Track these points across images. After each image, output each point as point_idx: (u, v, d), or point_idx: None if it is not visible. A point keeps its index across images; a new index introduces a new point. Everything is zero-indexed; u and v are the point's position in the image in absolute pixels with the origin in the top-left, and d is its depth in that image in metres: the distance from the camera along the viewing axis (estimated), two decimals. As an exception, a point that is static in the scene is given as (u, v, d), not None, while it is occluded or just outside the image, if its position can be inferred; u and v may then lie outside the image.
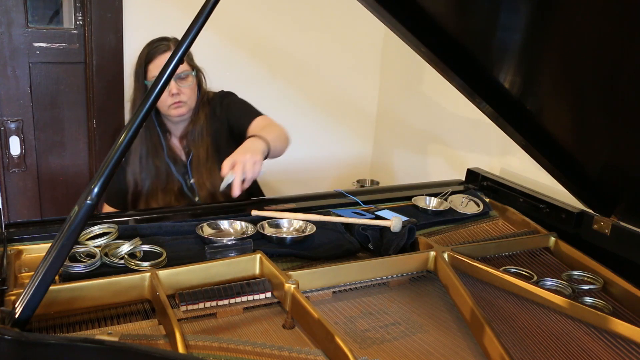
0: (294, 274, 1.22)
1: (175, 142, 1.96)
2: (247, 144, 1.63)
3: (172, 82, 1.80)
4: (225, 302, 1.16)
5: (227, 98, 1.98)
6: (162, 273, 1.18)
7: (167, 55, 1.73)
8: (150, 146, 1.89)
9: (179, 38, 1.05)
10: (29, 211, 2.54)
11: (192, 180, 1.90)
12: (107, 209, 1.97)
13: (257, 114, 1.91)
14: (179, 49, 1.04)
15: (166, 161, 1.91)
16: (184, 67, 1.83)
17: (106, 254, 1.27)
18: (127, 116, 2.58)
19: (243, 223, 1.47)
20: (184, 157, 1.94)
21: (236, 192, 1.50)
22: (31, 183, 2.53)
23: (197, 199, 1.90)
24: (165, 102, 1.82)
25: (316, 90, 3.00)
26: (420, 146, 2.80)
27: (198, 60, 2.52)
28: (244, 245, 1.34)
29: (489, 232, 1.59)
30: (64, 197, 2.60)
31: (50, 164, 2.55)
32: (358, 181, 3.02)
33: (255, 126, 1.84)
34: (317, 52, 2.92)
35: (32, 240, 1.33)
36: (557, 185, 1.50)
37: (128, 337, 1.02)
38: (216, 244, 1.35)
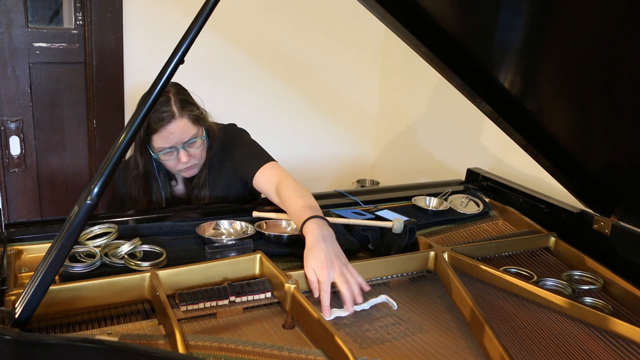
0: (294, 274, 1.22)
1: (180, 186, 1.81)
2: (315, 245, 1.25)
3: (182, 151, 1.63)
4: (225, 302, 1.16)
5: (237, 140, 1.77)
6: (162, 273, 1.18)
7: (173, 125, 1.59)
8: (155, 192, 1.76)
9: (179, 39, 1.05)
10: (29, 211, 2.54)
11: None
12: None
13: (268, 158, 1.67)
14: (178, 48, 1.04)
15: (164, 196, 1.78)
16: (193, 132, 1.63)
17: (106, 254, 1.27)
18: (127, 116, 2.59)
19: (243, 223, 1.48)
20: (184, 193, 1.82)
21: (350, 306, 1.19)
22: (31, 183, 2.53)
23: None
24: (175, 167, 1.68)
25: (316, 90, 3.00)
26: (420, 146, 2.80)
27: (198, 59, 2.53)
28: (244, 245, 1.34)
29: (489, 232, 1.59)
30: (64, 197, 2.60)
31: (50, 164, 2.55)
32: (358, 181, 3.02)
33: (262, 178, 1.62)
34: (317, 52, 2.92)
35: (32, 240, 1.33)
36: (557, 185, 1.50)
37: (128, 337, 1.02)
38: (216, 244, 1.35)
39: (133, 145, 1.67)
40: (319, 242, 1.25)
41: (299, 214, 1.38)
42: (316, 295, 1.20)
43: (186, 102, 1.63)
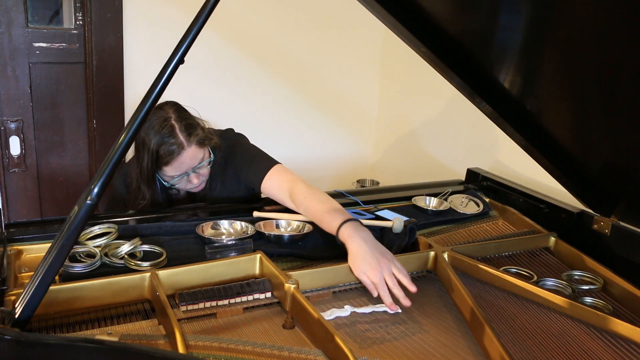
0: (294, 274, 1.22)
1: (182, 195, 1.81)
2: (359, 250, 1.27)
3: (192, 175, 1.63)
4: (225, 302, 1.16)
5: (236, 145, 1.75)
6: (162, 273, 1.18)
7: (184, 156, 1.58)
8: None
9: (179, 39, 1.05)
10: (29, 211, 2.54)
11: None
12: None
13: (272, 163, 1.64)
14: (178, 48, 1.04)
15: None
16: (201, 156, 1.62)
17: (106, 254, 1.27)
18: (127, 116, 2.59)
19: (243, 223, 1.48)
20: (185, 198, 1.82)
21: (404, 302, 1.21)
22: (31, 183, 2.53)
23: None
24: (184, 187, 1.69)
25: (316, 90, 3.00)
26: (420, 146, 2.80)
27: (198, 59, 2.53)
28: (244, 245, 1.34)
29: (489, 232, 1.59)
30: (64, 197, 2.60)
31: (50, 164, 2.55)
32: (358, 181, 3.02)
33: (272, 185, 1.59)
34: (317, 52, 2.92)
35: (32, 240, 1.33)
36: (557, 185, 1.50)
37: (128, 337, 1.02)
38: (216, 244, 1.35)
39: (133, 148, 1.66)
40: (362, 246, 1.27)
41: (329, 220, 1.38)
42: (375, 295, 1.22)
43: (190, 127, 1.61)
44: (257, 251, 1.29)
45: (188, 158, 1.61)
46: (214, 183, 1.74)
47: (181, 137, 1.58)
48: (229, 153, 1.74)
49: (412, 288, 1.22)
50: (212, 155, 1.69)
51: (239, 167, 1.71)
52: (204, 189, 1.74)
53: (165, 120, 1.58)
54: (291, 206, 1.54)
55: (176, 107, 1.64)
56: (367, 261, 1.23)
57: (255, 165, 1.66)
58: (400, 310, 1.20)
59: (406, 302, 1.20)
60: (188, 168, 1.63)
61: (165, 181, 1.66)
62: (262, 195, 1.69)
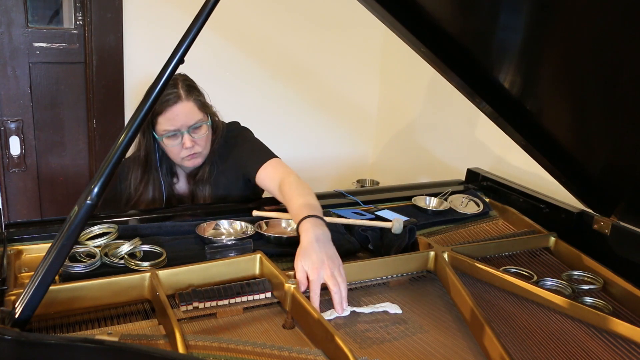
0: (294, 273, 1.22)
1: (181, 184, 1.81)
2: (308, 245, 1.25)
3: (186, 135, 1.63)
4: (225, 302, 1.16)
5: (239, 137, 1.78)
6: (162, 273, 1.18)
7: (179, 107, 1.61)
8: (156, 189, 1.75)
9: (179, 39, 1.05)
10: (29, 211, 2.54)
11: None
12: None
13: (270, 155, 1.67)
14: (178, 48, 1.04)
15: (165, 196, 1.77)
16: (198, 117, 1.64)
17: (106, 254, 1.27)
18: (127, 116, 2.59)
19: (243, 223, 1.48)
20: (186, 190, 1.81)
21: (341, 308, 1.19)
22: (31, 183, 2.53)
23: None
24: (178, 154, 1.67)
25: (316, 90, 3.00)
26: (420, 146, 2.80)
27: (198, 59, 2.52)
28: (244, 245, 1.34)
29: (489, 232, 1.59)
30: (64, 197, 2.60)
31: (50, 164, 2.55)
32: (358, 181, 3.02)
33: (266, 176, 1.62)
34: (317, 52, 2.92)
35: (32, 240, 1.33)
36: (557, 185, 1.50)
37: (128, 337, 1.02)
38: (216, 244, 1.35)
39: (133, 148, 1.68)
40: (312, 243, 1.24)
41: (297, 212, 1.37)
42: (302, 290, 1.19)
43: (193, 88, 1.66)
44: (257, 251, 1.29)
45: (183, 112, 1.60)
46: (213, 169, 1.74)
47: (181, 90, 1.62)
48: (231, 142, 1.76)
49: (343, 304, 1.17)
50: (210, 122, 1.69)
51: (238, 156, 1.73)
52: (203, 173, 1.73)
53: (173, 79, 1.62)
54: (279, 197, 1.55)
55: (186, 75, 1.70)
56: (311, 259, 1.21)
57: (254, 156, 1.68)
58: (400, 311, 1.20)
59: (340, 309, 1.17)
60: (182, 125, 1.62)
61: (158, 135, 1.64)
62: (257, 184, 1.68)
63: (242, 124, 1.85)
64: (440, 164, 2.65)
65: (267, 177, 1.62)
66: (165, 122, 1.62)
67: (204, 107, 1.68)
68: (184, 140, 1.63)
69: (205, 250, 1.32)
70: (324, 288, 1.19)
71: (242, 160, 1.71)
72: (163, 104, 1.60)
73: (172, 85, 1.62)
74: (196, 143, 1.65)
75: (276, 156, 1.68)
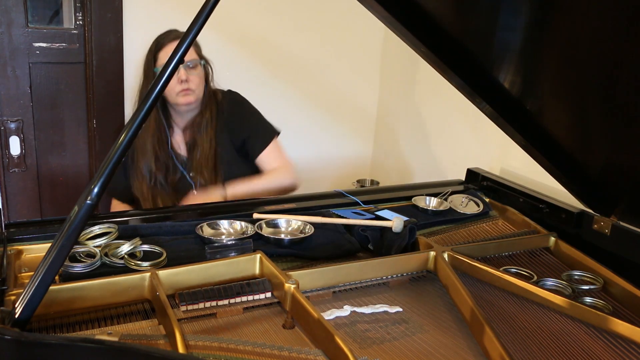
0: (294, 274, 1.21)
1: (177, 135, 1.96)
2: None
3: (181, 69, 1.81)
4: (225, 302, 1.16)
5: (238, 106, 2.00)
6: (162, 273, 1.18)
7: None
8: (156, 138, 1.91)
9: (179, 39, 1.05)
10: (29, 211, 2.54)
11: (191, 174, 1.91)
12: (115, 206, 1.97)
13: (272, 134, 1.98)
14: (178, 48, 1.04)
15: (169, 153, 1.92)
16: (192, 56, 1.86)
17: (106, 254, 1.27)
18: (127, 116, 2.59)
19: (243, 223, 1.47)
20: (184, 152, 1.95)
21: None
22: (31, 183, 2.53)
23: (195, 192, 1.91)
24: (173, 89, 1.83)
25: (316, 90, 2.99)
26: (420, 146, 2.80)
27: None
28: (243, 245, 1.34)
29: (489, 232, 1.59)
30: (64, 197, 2.60)
31: (50, 164, 2.55)
32: (358, 181, 3.02)
33: (264, 160, 1.95)
34: (317, 52, 2.92)
35: (32, 240, 1.33)
36: (557, 185, 1.50)
37: (128, 337, 1.02)
38: (216, 244, 1.35)
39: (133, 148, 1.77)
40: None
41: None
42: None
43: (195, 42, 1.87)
44: (257, 251, 1.29)
45: None
46: (207, 107, 1.93)
47: (180, 33, 1.83)
48: (236, 111, 1.97)
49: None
50: (204, 63, 1.92)
51: (247, 127, 1.96)
52: (199, 116, 1.92)
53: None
54: None
55: None
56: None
57: (260, 136, 1.96)
58: (401, 310, 1.20)
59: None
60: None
61: (156, 67, 1.84)
62: (256, 163, 1.98)
63: None
64: (440, 164, 2.65)
65: (265, 162, 1.96)
66: (164, 56, 1.80)
67: (200, 53, 1.91)
68: (179, 73, 1.80)
69: (205, 250, 1.32)
70: (329, 295, 1.19)
71: (251, 135, 1.96)
72: (163, 42, 1.83)
73: (173, 29, 1.88)
74: (190, 79, 1.84)
75: (276, 133, 1.99)
